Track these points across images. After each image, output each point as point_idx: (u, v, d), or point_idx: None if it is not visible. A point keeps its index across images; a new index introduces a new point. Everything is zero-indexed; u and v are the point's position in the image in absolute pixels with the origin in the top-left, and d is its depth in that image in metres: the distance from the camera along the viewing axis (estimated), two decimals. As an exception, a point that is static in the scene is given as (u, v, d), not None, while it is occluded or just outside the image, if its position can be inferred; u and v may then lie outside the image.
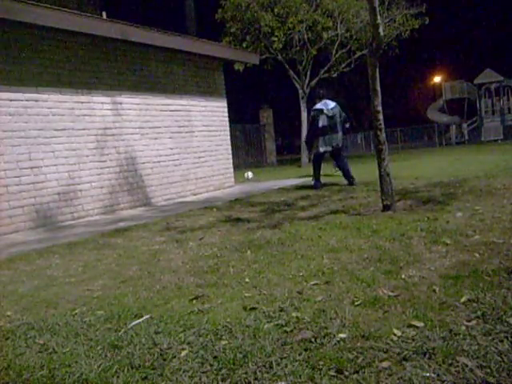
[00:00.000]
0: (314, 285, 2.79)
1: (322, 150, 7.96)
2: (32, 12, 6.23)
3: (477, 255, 3.07)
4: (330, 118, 7.83)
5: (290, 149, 39.22)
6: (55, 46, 6.96)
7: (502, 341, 1.88)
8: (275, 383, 1.75)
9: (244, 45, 17.40)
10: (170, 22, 22.70)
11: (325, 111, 7.85)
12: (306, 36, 17.69)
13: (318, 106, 8.02)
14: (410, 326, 2.09)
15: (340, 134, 7.95)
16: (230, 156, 10.84)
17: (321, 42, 18.05)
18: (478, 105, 26.72)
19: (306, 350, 1.96)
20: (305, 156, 19.55)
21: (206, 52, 9.67)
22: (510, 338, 1.89)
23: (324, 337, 2.06)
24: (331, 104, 7.95)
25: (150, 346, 2.14)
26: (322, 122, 7.82)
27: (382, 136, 5.08)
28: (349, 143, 33.45)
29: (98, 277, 3.48)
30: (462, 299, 2.33)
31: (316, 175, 8.23)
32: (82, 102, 7.30)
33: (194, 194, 9.45)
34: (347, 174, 8.06)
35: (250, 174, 12.36)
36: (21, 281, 3.55)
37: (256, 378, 1.79)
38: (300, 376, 1.76)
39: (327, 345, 1.99)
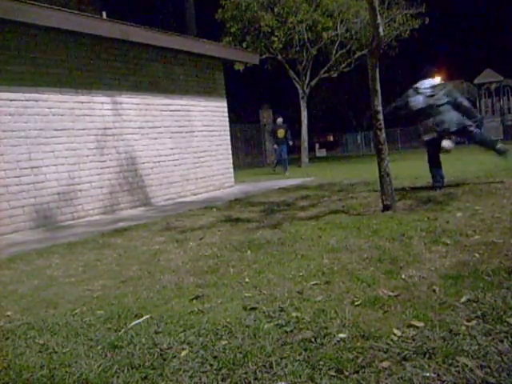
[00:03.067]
0: (314, 285, 2.78)
1: (425, 138, 6.52)
2: (32, 12, 6.23)
3: (477, 255, 3.07)
4: (430, 97, 6.33)
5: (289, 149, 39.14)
6: (55, 46, 6.96)
7: (501, 341, 1.88)
8: (275, 383, 1.74)
9: (244, 45, 17.42)
10: (170, 22, 22.73)
11: (420, 90, 6.40)
12: (306, 36, 17.70)
13: (417, 84, 6.60)
14: (410, 325, 2.09)
15: (449, 116, 6.24)
16: (230, 156, 10.84)
17: (321, 42, 18.06)
18: (478, 105, 26.72)
19: (305, 350, 1.96)
20: (305, 156, 19.57)
21: (206, 52, 9.67)
22: (510, 338, 1.89)
23: (324, 337, 2.06)
24: (431, 81, 6.51)
25: (150, 346, 2.14)
26: (417, 103, 6.37)
27: (382, 136, 5.07)
28: (349, 143, 33.48)
29: (98, 277, 3.47)
30: (462, 299, 2.33)
31: (433, 172, 6.55)
32: (82, 102, 7.30)
33: (194, 194, 9.45)
34: (488, 144, 6.55)
35: (449, 144, 9.73)
36: (21, 281, 3.55)
37: (256, 378, 1.78)
38: (300, 376, 1.76)
39: (327, 345, 1.99)
